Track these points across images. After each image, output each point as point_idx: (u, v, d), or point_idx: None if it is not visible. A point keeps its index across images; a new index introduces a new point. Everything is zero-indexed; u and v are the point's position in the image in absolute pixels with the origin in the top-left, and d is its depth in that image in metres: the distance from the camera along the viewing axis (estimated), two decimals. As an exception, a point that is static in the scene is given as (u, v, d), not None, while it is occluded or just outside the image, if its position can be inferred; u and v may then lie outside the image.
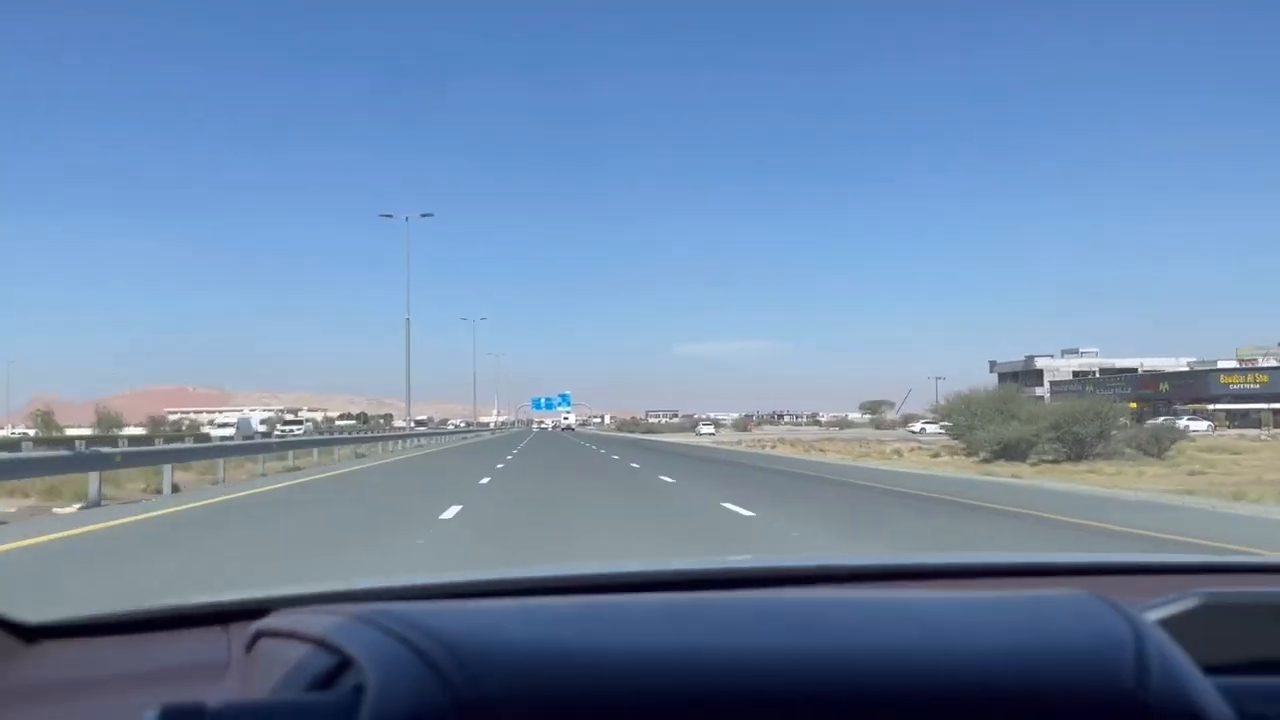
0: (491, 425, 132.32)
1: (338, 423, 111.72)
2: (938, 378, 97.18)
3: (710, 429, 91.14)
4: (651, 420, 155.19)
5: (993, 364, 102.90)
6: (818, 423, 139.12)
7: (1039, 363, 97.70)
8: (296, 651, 0.55)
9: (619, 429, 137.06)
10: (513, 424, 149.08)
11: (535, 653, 0.43)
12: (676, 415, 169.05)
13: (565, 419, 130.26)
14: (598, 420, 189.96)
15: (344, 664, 0.50)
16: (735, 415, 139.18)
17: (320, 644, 0.53)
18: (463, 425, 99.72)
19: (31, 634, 0.96)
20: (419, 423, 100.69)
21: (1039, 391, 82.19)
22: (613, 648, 0.44)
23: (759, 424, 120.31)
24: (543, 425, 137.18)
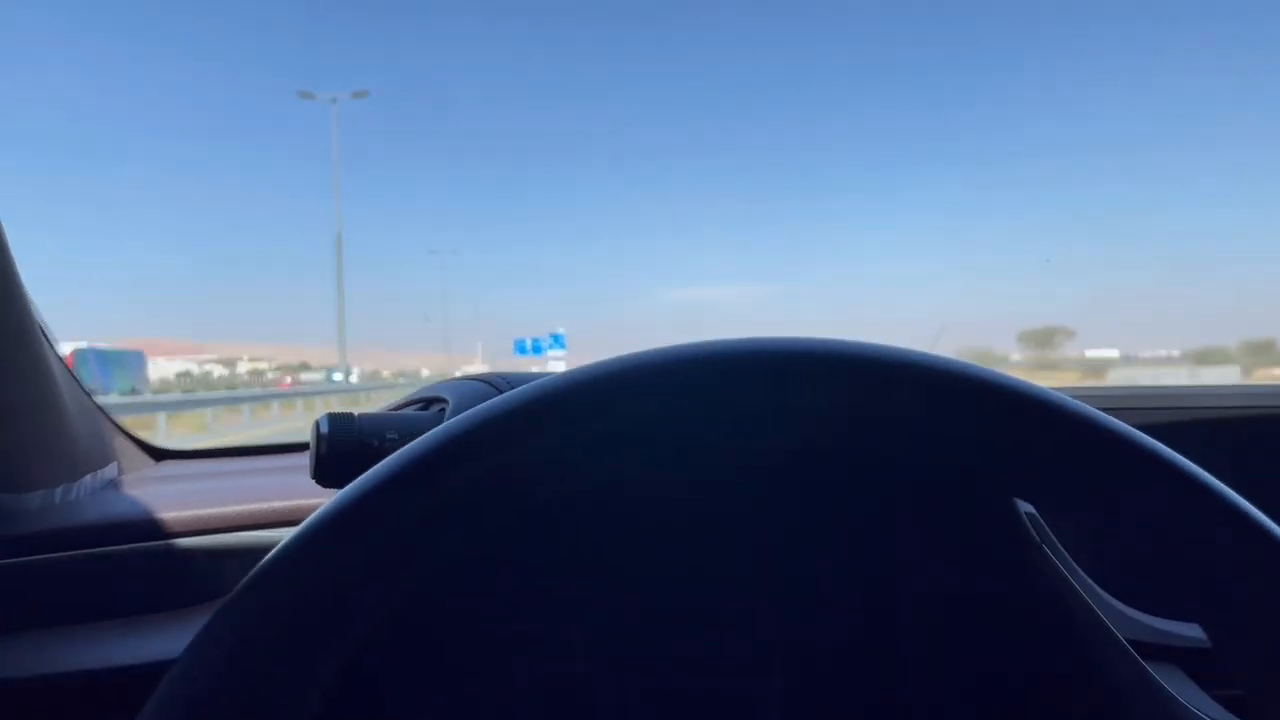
0: (457, 376, 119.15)
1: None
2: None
3: None
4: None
5: None
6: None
7: None
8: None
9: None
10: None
11: (565, 381, 0.65)
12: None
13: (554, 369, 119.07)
14: None
15: (426, 406, 0.73)
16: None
17: (406, 404, 0.77)
18: (340, 381, 36.58)
19: (159, 454, 1.28)
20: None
21: None
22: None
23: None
24: None
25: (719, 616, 0.67)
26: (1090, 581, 0.75)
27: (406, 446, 0.37)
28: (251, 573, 0.35)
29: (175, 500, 0.99)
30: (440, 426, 0.38)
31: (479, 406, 0.38)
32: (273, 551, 0.35)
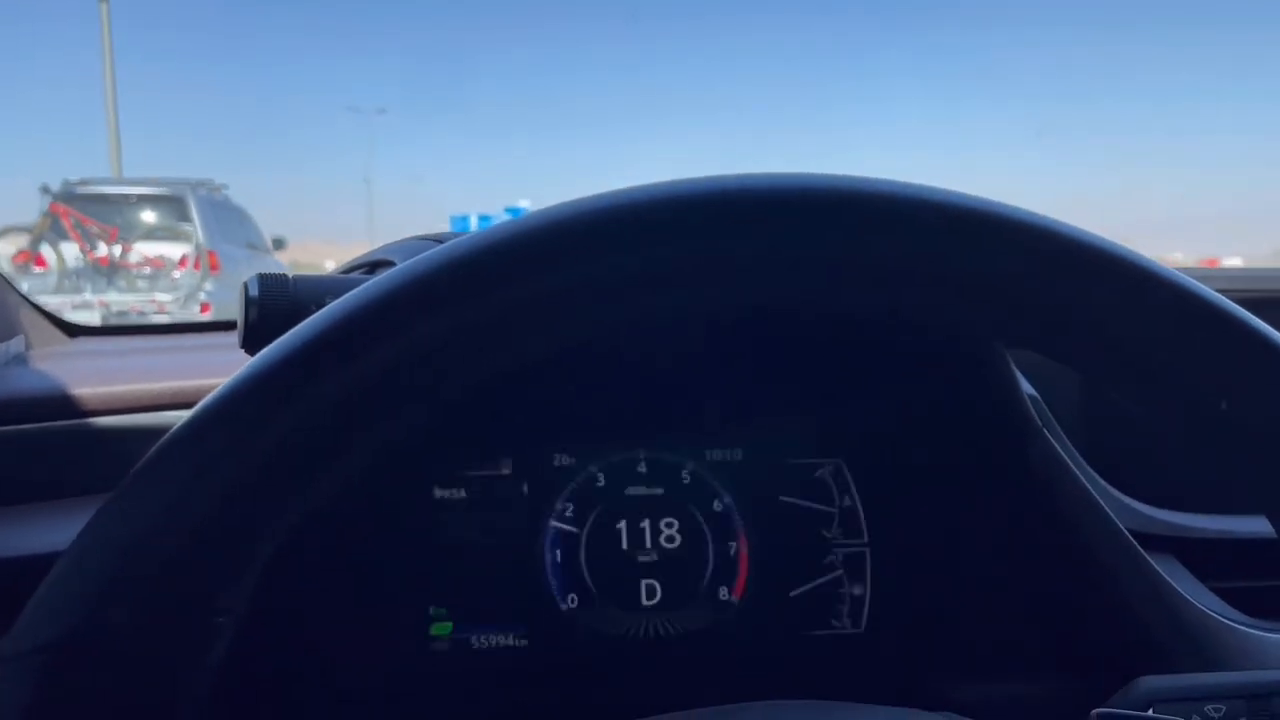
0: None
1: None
2: None
3: None
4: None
5: None
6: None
7: None
8: None
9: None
10: None
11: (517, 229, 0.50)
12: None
13: None
14: None
15: (372, 270, 0.69)
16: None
17: (351, 269, 0.72)
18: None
19: (74, 330, 1.18)
20: None
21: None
22: None
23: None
24: None
25: (681, 479, 0.66)
26: (1089, 469, 0.75)
27: (339, 300, 0.33)
28: (150, 451, 0.31)
29: (91, 376, 0.90)
30: (376, 279, 0.33)
31: (419, 257, 0.34)
32: (175, 426, 0.31)
